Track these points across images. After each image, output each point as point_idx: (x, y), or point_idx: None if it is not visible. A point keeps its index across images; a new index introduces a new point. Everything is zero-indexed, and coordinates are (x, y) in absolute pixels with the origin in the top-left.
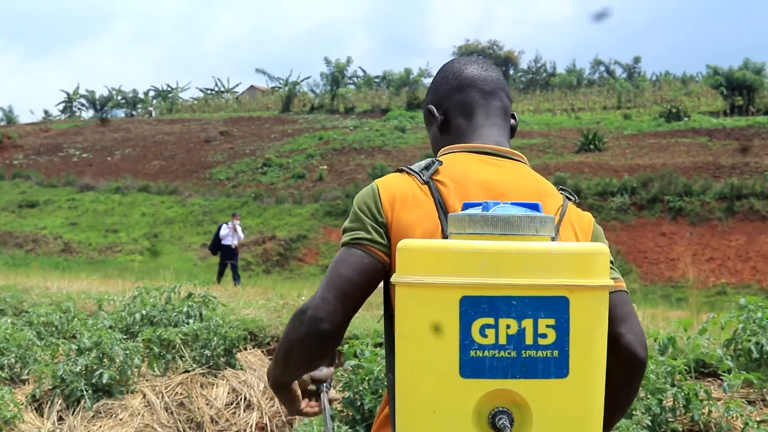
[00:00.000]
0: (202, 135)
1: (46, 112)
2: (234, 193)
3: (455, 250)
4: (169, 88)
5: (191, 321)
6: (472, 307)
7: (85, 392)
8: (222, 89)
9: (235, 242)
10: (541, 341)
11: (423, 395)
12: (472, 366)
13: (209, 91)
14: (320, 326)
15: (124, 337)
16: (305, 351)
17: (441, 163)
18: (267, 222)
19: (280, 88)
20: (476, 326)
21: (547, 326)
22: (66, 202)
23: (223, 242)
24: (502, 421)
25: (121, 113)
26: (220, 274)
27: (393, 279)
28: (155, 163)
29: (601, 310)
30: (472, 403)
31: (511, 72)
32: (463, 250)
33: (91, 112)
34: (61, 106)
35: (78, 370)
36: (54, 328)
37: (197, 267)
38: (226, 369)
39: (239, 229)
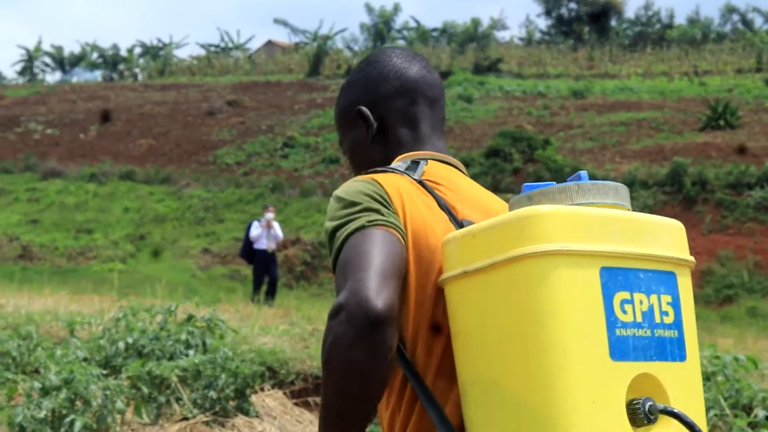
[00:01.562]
0: (204, 106)
1: None
2: (245, 182)
3: (592, 216)
4: (161, 44)
5: (192, 352)
6: (611, 279)
7: None
8: (230, 45)
9: (272, 245)
10: (665, 319)
11: (578, 384)
12: (619, 347)
13: (213, 48)
14: (368, 306)
15: (104, 372)
16: (363, 356)
17: (426, 163)
18: (289, 220)
19: (306, 44)
20: (617, 301)
21: (668, 304)
22: (25, 192)
23: (256, 245)
24: (653, 405)
25: (97, 76)
26: (256, 288)
27: (524, 249)
28: (142, 143)
29: (690, 289)
30: (625, 391)
31: (613, 23)
32: (599, 216)
33: (57, 75)
34: (18, 67)
35: (42, 415)
36: (10, 360)
37: (197, 279)
38: (236, 416)
39: (276, 226)
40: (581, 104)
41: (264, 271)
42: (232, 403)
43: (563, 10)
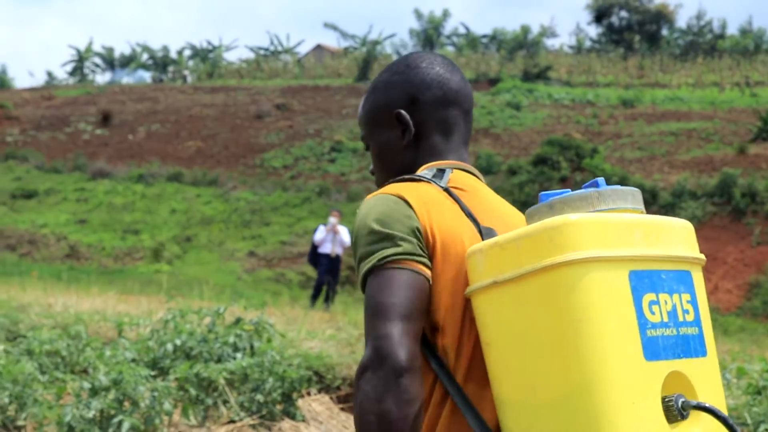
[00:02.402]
0: (252, 109)
1: (49, 74)
2: (292, 186)
3: (618, 222)
4: (210, 47)
5: (239, 355)
6: (639, 281)
7: None
8: (279, 49)
9: (337, 249)
10: (687, 317)
11: (618, 386)
12: (651, 347)
13: (263, 51)
14: (391, 360)
15: (152, 374)
16: (391, 407)
17: (452, 170)
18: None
19: (355, 48)
20: (645, 302)
21: (687, 302)
22: (73, 192)
23: (321, 250)
24: (685, 401)
25: (147, 77)
26: (316, 294)
27: (558, 258)
28: (190, 145)
29: (703, 286)
30: (659, 389)
31: (665, 32)
32: (623, 221)
33: (107, 76)
34: (68, 67)
35: (91, 415)
36: (60, 360)
37: (242, 282)
38: (283, 420)
39: (343, 231)
40: (630, 113)
41: (326, 276)
42: (278, 407)
43: (614, 19)
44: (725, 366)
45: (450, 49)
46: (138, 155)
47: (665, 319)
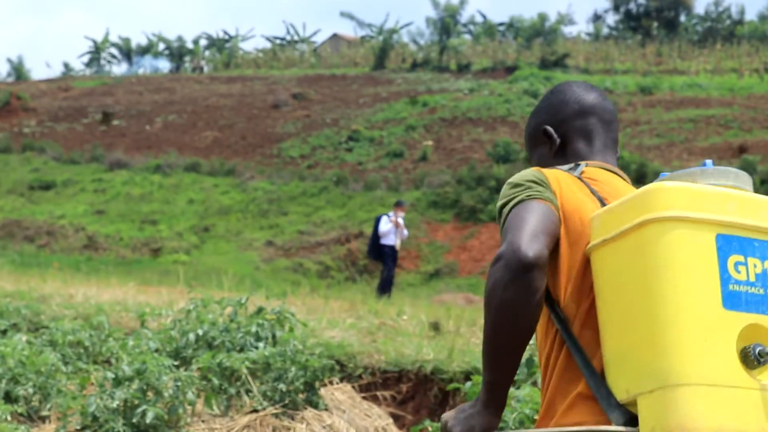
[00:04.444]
0: (269, 98)
1: (66, 65)
2: (310, 175)
3: (711, 191)
4: (227, 36)
5: (261, 345)
6: (726, 243)
7: None
8: (296, 38)
9: (399, 241)
10: None
11: (692, 324)
12: (732, 299)
13: (279, 41)
14: (520, 254)
15: (175, 363)
16: (515, 295)
17: (586, 165)
18: (352, 214)
19: (372, 37)
20: (731, 262)
21: None
22: (91, 183)
23: (383, 241)
24: (761, 349)
25: (163, 68)
26: (387, 286)
27: (649, 215)
28: (207, 135)
29: None
30: (736, 334)
31: (683, 19)
32: (717, 192)
33: (124, 66)
34: (85, 58)
35: (115, 405)
36: (82, 350)
37: (260, 272)
38: (306, 409)
39: (402, 223)
40: (649, 100)
41: (389, 265)
42: (301, 396)
43: (631, 5)
44: None
45: (467, 37)
46: (155, 146)
47: (752, 279)
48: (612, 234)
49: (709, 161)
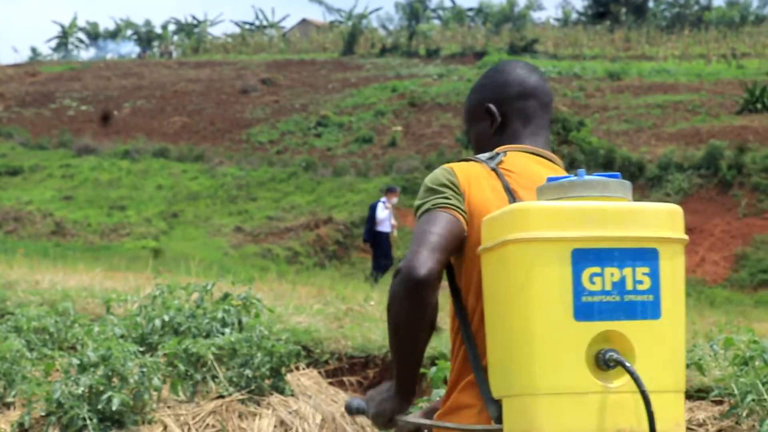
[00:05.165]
0: (238, 83)
1: (33, 50)
2: (279, 160)
3: (567, 209)
4: (195, 21)
5: (227, 331)
6: (581, 257)
7: (88, 421)
8: (265, 23)
9: (395, 229)
10: (639, 287)
11: (542, 339)
12: (584, 310)
13: (248, 26)
14: (413, 273)
15: (140, 350)
16: (408, 308)
17: (505, 154)
18: (321, 200)
19: (341, 22)
20: (586, 275)
21: (643, 274)
22: (58, 169)
23: (380, 228)
24: (610, 354)
25: (131, 53)
26: (380, 269)
27: (509, 236)
28: (176, 120)
29: (682, 260)
30: (586, 343)
31: (651, 5)
32: (574, 208)
33: (92, 51)
34: (53, 43)
35: (80, 392)
36: (47, 337)
37: (229, 257)
38: (272, 395)
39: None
40: (617, 86)
41: (384, 253)
42: (267, 382)
43: None
44: (712, 337)
45: (436, 22)
46: (123, 131)
47: (608, 288)
48: (489, 244)
49: (581, 171)
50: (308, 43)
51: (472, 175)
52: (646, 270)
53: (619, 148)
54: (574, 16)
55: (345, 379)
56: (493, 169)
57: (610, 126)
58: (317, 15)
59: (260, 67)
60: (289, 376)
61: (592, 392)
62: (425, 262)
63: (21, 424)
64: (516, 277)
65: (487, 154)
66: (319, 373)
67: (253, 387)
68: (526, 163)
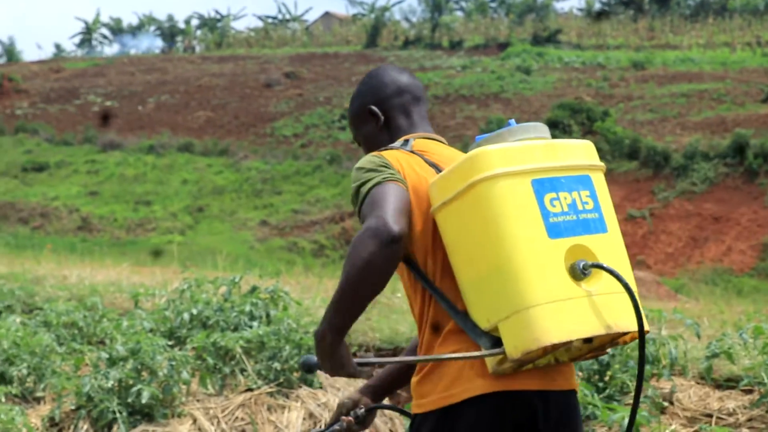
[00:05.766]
0: (262, 77)
1: (57, 46)
2: (303, 154)
3: (520, 148)
4: (218, 16)
5: (256, 324)
6: (540, 186)
7: (118, 415)
8: (288, 17)
9: None
10: (586, 207)
11: (528, 258)
12: (554, 229)
13: (271, 20)
14: (388, 228)
15: (169, 343)
16: (380, 259)
17: (413, 140)
18: (346, 192)
19: (363, 15)
20: (547, 200)
21: (587, 196)
22: (84, 164)
23: None
24: (585, 263)
25: (155, 48)
26: None
27: (475, 178)
28: (200, 115)
29: (605, 184)
30: (563, 256)
31: None
32: (525, 147)
33: (116, 47)
34: (77, 39)
35: (109, 385)
36: (77, 331)
37: (255, 251)
38: (300, 387)
39: None
40: (641, 75)
41: None
42: (296, 375)
43: None
44: (741, 327)
45: (459, 14)
46: (148, 126)
47: (565, 210)
48: (449, 196)
49: (512, 120)
50: (331, 37)
51: (399, 158)
52: (587, 193)
53: (644, 138)
54: (597, 5)
55: (373, 371)
56: (411, 152)
57: (634, 116)
58: (340, 8)
59: (284, 61)
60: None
61: (579, 297)
62: (397, 221)
63: (51, 418)
64: (491, 211)
65: (398, 143)
66: None
67: (281, 380)
68: (430, 143)
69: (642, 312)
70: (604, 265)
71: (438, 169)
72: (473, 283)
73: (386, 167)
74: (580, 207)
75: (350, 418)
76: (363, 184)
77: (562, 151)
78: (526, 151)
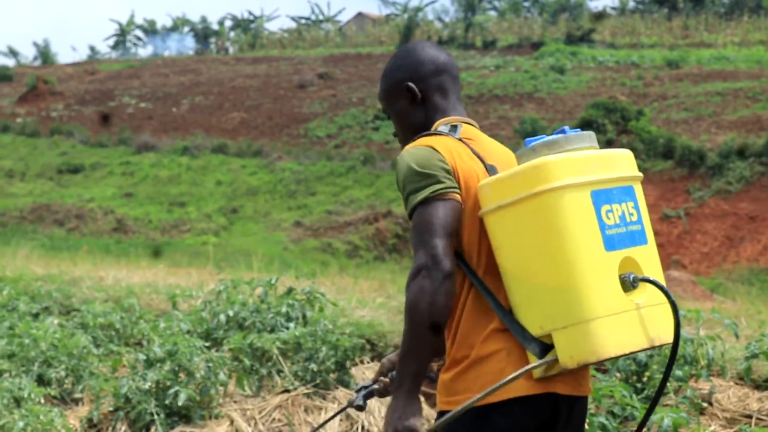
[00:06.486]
0: (295, 78)
1: (92, 48)
2: (337, 154)
3: (580, 158)
4: (252, 17)
5: (292, 325)
6: (597, 198)
7: (156, 416)
8: (321, 18)
9: None
10: (632, 218)
11: (588, 271)
12: (610, 241)
13: (304, 21)
14: (440, 267)
15: (206, 345)
16: (440, 300)
17: (461, 126)
18: (380, 193)
19: (396, 15)
20: (603, 211)
21: (632, 208)
22: (119, 166)
23: None
24: (635, 276)
25: (189, 50)
26: None
27: (538, 188)
28: (234, 116)
29: (643, 194)
30: (617, 269)
31: None
32: (584, 157)
33: (149, 49)
34: (111, 41)
35: (147, 387)
36: (114, 333)
37: (289, 252)
38: (337, 388)
39: None
40: (676, 74)
41: None
42: (332, 376)
43: None
44: None
45: (492, 13)
46: (182, 128)
47: (617, 222)
48: (506, 201)
49: (566, 127)
50: (364, 37)
51: (451, 148)
52: (632, 204)
53: (679, 137)
54: (631, 4)
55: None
56: (459, 140)
57: (669, 114)
58: (373, 8)
59: (317, 62)
60: (353, 370)
61: (630, 310)
62: (447, 253)
63: (90, 420)
64: (556, 222)
65: (446, 127)
66: None
67: (318, 381)
68: (474, 131)
69: (680, 326)
70: (655, 280)
71: (484, 163)
72: (526, 288)
73: (440, 167)
74: (627, 219)
75: (387, 379)
76: (413, 192)
77: (612, 161)
78: (586, 162)
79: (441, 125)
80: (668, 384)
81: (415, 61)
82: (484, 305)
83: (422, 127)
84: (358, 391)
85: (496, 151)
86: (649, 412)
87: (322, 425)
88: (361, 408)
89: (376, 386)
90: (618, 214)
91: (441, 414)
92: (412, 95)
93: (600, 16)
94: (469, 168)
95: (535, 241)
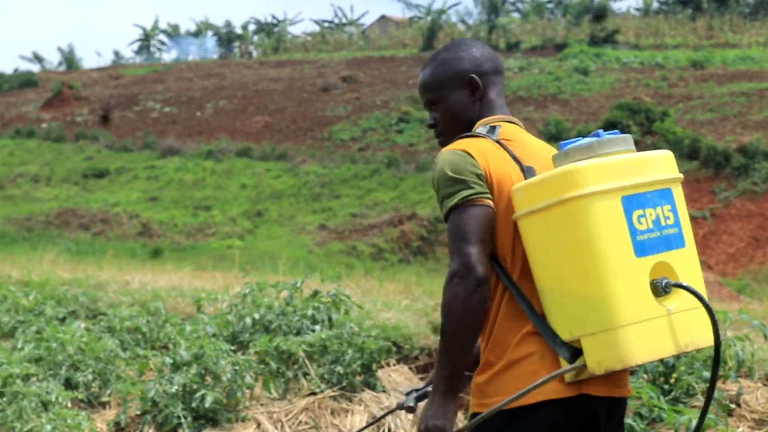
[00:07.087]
0: (319, 82)
1: (116, 53)
2: (361, 157)
3: (611, 164)
4: (275, 21)
5: (318, 328)
6: (628, 203)
7: (183, 419)
8: (344, 21)
9: None
10: (668, 222)
11: (617, 277)
12: (640, 247)
13: (327, 24)
14: (474, 273)
15: (232, 348)
16: (474, 306)
17: (500, 126)
18: (405, 196)
19: (420, 18)
20: (635, 217)
21: (668, 210)
22: (144, 170)
23: None
24: (667, 281)
25: (213, 54)
26: None
27: (569, 195)
28: (258, 120)
29: (683, 195)
30: (648, 275)
31: None
32: (615, 162)
33: (174, 53)
34: (135, 46)
35: (174, 390)
36: (140, 336)
37: (314, 255)
38: (363, 391)
39: None
40: (701, 75)
41: None
42: (358, 378)
43: None
44: None
45: (515, 15)
46: (206, 132)
47: (651, 227)
48: (538, 206)
49: (600, 131)
50: (388, 40)
51: (486, 151)
52: (669, 207)
53: (704, 138)
54: (655, 5)
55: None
56: (497, 142)
57: (694, 115)
58: (396, 11)
59: (340, 65)
60: (380, 372)
61: (661, 316)
62: (480, 259)
63: (117, 423)
64: (585, 229)
65: (484, 128)
66: (410, 368)
67: (344, 383)
68: (514, 131)
69: (719, 329)
70: (688, 286)
71: (520, 165)
72: (557, 293)
73: (471, 172)
74: (663, 223)
75: None
76: (446, 197)
77: (648, 164)
78: (617, 167)
79: (480, 126)
80: (695, 385)
81: (479, 56)
82: (518, 308)
83: (472, 124)
84: (408, 393)
85: (538, 150)
86: (701, 419)
87: (366, 426)
88: (411, 410)
89: (429, 389)
90: (652, 219)
91: (474, 416)
92: (474, 88)
93: (600, 16)
94: (503, 171)
95: (564, 247)
